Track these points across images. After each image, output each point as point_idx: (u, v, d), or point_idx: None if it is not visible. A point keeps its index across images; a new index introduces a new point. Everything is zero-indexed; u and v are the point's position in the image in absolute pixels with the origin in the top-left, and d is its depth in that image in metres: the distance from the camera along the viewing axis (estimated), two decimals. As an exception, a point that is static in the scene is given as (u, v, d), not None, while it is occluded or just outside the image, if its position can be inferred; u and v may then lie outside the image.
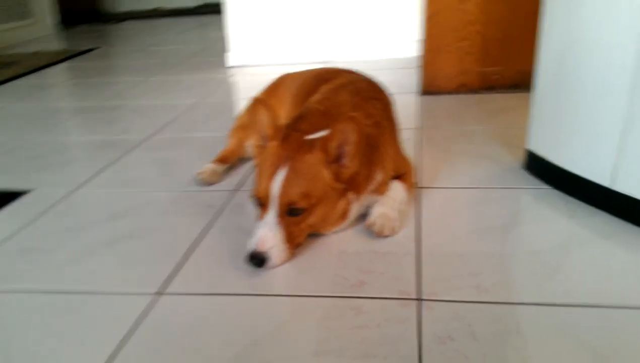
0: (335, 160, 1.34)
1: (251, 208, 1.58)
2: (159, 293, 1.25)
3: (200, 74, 3.64)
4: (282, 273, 1.30)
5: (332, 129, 1.31)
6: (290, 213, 1.32)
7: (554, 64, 1.57)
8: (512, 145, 1.98)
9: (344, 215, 1.42)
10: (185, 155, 2.14)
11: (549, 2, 1.59)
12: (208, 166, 1.87)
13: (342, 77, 1.79)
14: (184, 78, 3.54)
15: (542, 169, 1.67)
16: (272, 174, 1.31)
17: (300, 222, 1.34)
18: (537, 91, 1.68)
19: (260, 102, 1.44)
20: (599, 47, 1.40)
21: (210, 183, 1.83)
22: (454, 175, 1.77)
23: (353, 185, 1.39)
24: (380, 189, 1.49)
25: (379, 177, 1.47)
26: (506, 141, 2.04)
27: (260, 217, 1.34)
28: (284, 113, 1.89)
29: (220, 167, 1.89)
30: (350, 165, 1.35)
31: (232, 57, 3.79)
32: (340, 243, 1.42)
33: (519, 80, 2.63)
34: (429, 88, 2.75)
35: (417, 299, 1.17)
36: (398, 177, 1.56)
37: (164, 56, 4.32)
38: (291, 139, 1.39)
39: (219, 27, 4.71)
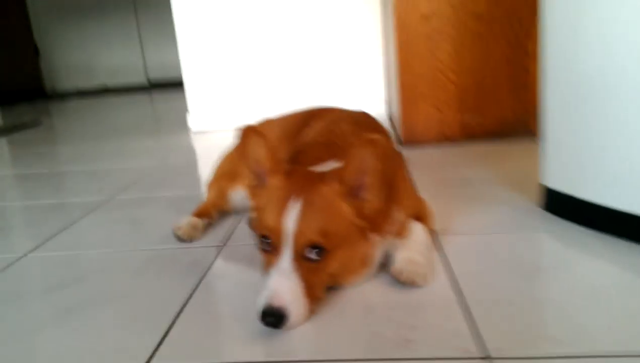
0: (354, 192, 1.13)
1: (247, 261, 1.32)
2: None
3: (160, 137, 3.40)
4: (302, 334, 1.04)
5: (347, 156, 1.11)
6: (308, 257, 1.08)
7: (565, 92, 1.46)
8: (515, 186, 1.84)
9: (367, 260, 1.19)
10: (155, 214, 1.87)
11: (549, 31, 1.50)
12: (186, 220, 1.61)
13: (334, 112, 1.62)
14: (141, 144, 3.28)
15: (565, 206, 1.52)
16: (283, 208, 1.08)
17: (320, 269, 1.10)
18: (548, 124, 1.56)
19: (253, 130, 1.18)
20: (616, 66, 1.29)
21: (190, 240, 1.56)
22: (469, 221, 1.59)
23: (375, 224, 1.17)
24: (401, 232, 1.28)
25: (397, 216, 1.25)
26: (507, 183, 1.90)
27: (270, 262, 1.09)
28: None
29: (200, 222, 1.62)
30: (371, 198, 1.14)
31: (193, 122, 3.59)
32: (365, 296, 1.17)
33: (498, 129, 2.56)
34: (409, 139, 2.64)
35: (484, 358, 0.93)
36: (416, 219, 1.35)
37: (117, 125, 4.06)
38: (297, 173, 1.18)
39: (171, 101, 4.50)
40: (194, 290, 1.25)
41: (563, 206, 1.53)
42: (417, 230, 1.32)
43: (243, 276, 1.32)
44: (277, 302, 1.02)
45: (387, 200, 1.18)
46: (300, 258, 1.07)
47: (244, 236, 1.58)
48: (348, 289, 1.19)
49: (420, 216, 1.36)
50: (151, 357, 1.00)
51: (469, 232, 1.50)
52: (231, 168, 1.73)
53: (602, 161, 1.38)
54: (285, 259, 1.07)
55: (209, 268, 1.37)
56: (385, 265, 1.25)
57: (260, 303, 1.03)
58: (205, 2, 3.46)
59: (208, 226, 1.66)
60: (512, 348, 0.95)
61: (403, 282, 1.18)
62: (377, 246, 1.20)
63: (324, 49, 3.59)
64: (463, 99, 2.55)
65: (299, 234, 1.07)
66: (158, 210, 1.91)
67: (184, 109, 3.65)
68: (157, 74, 7.87)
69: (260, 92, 3.60)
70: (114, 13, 7.72)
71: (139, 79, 7.86)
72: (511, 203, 1.70)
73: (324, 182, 1.12)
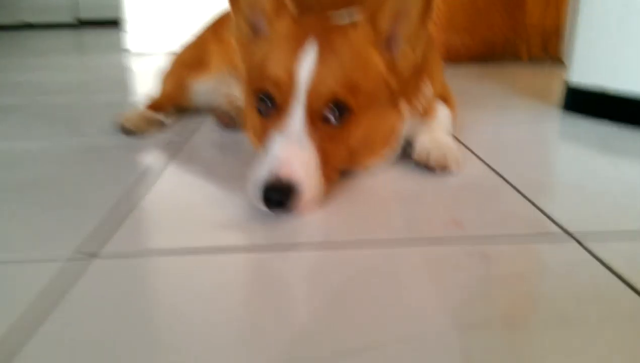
0: (387, 41, 0.85)
1: (215, 162, 1.02)
2: (93, 255, 0.64)
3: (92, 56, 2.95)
4: (317, 221, 0.75)
5: None
6: (327, 119, 0.79)
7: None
8: (535, 95, 1.61)
9: (393, 135, 0.92)
10: (90, 113, 1.50)
11: None
12: (134, 110, 1.26)
13: None
14: (72, 61, 2.83)
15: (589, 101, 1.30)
16: (295, 52, 0.79)
17: (339, 138, 0.81)
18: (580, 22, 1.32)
19: None
20: None
21: (139, 132, 1.23)
22: (491, 119, 1.34)
23: (407, 87, 0.89)
24: (428, 111, 1.01)
25: (427, 92, 0.98)
26: (525, 94, 1.66)
27: (271, 128, 0.79)
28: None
29: (153, 115, 1.28)
30: (407, 51, 0.86)
31: (130, 42, 3.15)
32: (387, 184, 0.90)
33: (486, 52, 2.33)
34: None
35: (566, 233, 0.69)
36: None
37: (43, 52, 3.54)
38: (311, 17, 0.88)
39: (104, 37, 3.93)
40: (158, 175, 0.94)
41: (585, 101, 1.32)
42: (443, 113, 1.06)
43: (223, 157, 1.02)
44: (286, 173, 0.72)
45: (423, 60, 0.90)
46: (315, 120, 0.79)
47: (209, 133, 1.26)
48: (361, 177, 0.91)
49: (446, 100, 1.10)
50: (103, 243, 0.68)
51: (492, 124, 1.26)
52: (195, 56, 1.39)
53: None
54: (296, 120, 0.77)
55: (164, 168, 1.05)
56: (404, 152, 0.98)
57: (262, 175, 0.73)
58: None
59: (161, 124, 1.31)
60: (594, 227, 0.71)
61: (431, 167, 0.92)
62: (405, 120, 0.93)
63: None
64: (451, 17, 2.29)
65: (317, 85, 0.77)
66: (94, 110, 1.54)
67: (118, 44, 3.20)
68: (87, 13, 7.14)
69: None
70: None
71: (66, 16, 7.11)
72: (534, 106, 1.48)
73: (350, 26, 0.84)
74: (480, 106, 1.49)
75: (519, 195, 0.83)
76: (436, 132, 0.98)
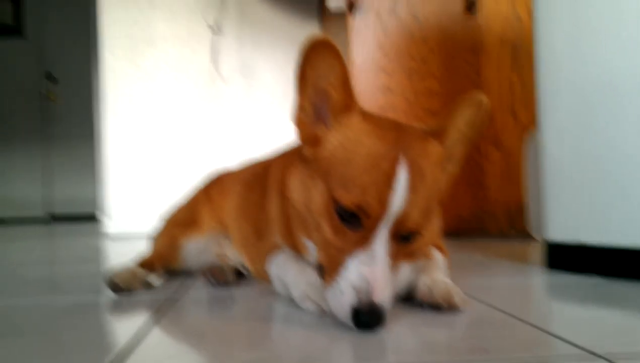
0: (449, 157, 0.93)
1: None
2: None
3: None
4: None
5: (450, 112, 0.90)
6: (402, 240, 0.84)
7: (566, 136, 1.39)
8: (506, 260, 1.66)
9: (429, 244, 1.04)
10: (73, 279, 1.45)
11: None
12: (124, 267, 1.24)
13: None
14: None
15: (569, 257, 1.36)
16: (389, 177, 0.80)
17: (406, 252, 0.87)
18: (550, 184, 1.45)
19: (326, 43, 0.86)
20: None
21: (127, 290, 1.18)
22: (478, 278, 1.37)
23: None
24: (426, 255, 1.04)
25: (432, 229, 1.03)
26: (505, 258, 1.71)
27: (361, 242, 0.81)
28: (231, 203, 1.41)
29: (143, 272, 1.25)
30: (452, 169, 0.95)
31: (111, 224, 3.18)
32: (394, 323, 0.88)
33: (453, 227, 2.45)
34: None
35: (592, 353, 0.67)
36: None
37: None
38: (381, 119, 0.91)
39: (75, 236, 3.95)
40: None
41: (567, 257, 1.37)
42: (439, 257, 1.08)
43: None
44: (378, 297, 0.76)
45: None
46: (394, 242, 0.82)
47: (200, 291, 1.23)
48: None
49: (439, 247, 1.14)
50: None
51: (480, 279, 1.28)
52: (187, 216, 1.43)
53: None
54: (382, 243, 0.80)
55: (167, 312, 1.01)
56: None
57: (348, 296, 0.76)
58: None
59: (150, 282, 1.28)
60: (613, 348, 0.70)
61: (437, 303, 0.91)
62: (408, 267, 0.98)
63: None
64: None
65: (406, 215, 0.80)
66: (75, 278, 1.50)
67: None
68: (59, 208, 7.23)
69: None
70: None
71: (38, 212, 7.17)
72: (518, 267, 1.52)
73: (427, 140, 0.88)
74: (463, 269, 1.53)
75: (532, 327, 0.82)
76: (436, 273, 1.00)
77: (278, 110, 3.40)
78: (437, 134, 0.90)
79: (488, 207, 2.44)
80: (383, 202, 0.79)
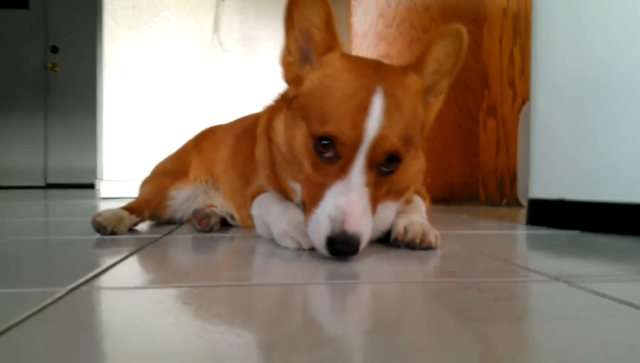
0: (426, 92, 0.93)
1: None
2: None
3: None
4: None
5: (429, 42, 0.90)
6: (382, 170, 0.84)
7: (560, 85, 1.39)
8: (491, 220, 1.67)
9: (420, 175, 1.04)
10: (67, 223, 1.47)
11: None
12: (111, 210, 1.25)
13: None
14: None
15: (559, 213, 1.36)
16: (364, 105, 0.81)
17: (386, 183, 0.87)
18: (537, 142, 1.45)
19: None
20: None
21: (112, 232, 1.19)
22: (463, 230, 1.37)
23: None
24: (407, 200, 1.05)
25: (415, 167, 1.02)
26: (491, 218, 1.71)
27: (338, 172, 0.81)
28: (221, 155, 1.41)
29: (128, 216, 1.26)
30: (435, 101, 0.96)
31: (104, 188, 3.19)
32: (389, 252, 0.89)
33: (447, 195, 2.46)
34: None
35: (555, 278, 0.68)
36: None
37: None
38: (360, 57, 0.94)
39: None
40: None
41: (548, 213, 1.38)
42: (419, 201, 1.09)
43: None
44: (352, 227, 0.76)
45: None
46: (372, 171, 0.82)
47: (182, 237, 1.24)
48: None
49: (420, 194, 1.15)
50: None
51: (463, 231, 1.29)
52: (175, 165, 1.44)
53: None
54: (358, 171, 0.80)
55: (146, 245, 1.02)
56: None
57: (325, 226, 0.77)
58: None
59: (135, 225, 1.29)
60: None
61: (412, 242, 0.92)
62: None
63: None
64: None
65: (382, 140, 0.80)
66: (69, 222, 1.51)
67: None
68: (59, 178, 7.28)
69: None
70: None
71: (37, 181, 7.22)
72: (502, 224, 1.53)
73: (404, 72, 0.89)
74: (447, 224, 1.54)
75: (500, 260, 0.83)
76: (414, 215, 1.00)
77: (278, 80, 3.39)
78: (414, 66, 0.90)
79: (480, 175, 2.44)
80: (358, 128, 0.80)
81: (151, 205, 1.36)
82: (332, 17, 0.89)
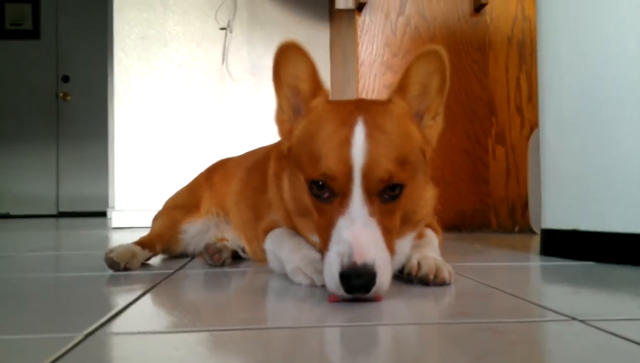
0: (416, 115, 0.93)
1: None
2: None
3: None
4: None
5: (406, 69, 0.91)
6: (384, 197, 0.82)
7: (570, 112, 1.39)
8: (504, 249, 1.65)
9: (431, 203, 1.00)
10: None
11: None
12: (124, 245, 1.26)
13: None
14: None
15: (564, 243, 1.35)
16: (346, 135, 0.81)
17: (394, 211, 0.84)
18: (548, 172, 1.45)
19: (294, 46, 0.92)
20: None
21: (125, 268, 1.19)
22: (475, 262, 1.36)
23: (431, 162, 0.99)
24: (420, 234, 1.04)
25: (426, 200, 1.02)
26: (505, 249, 1.70)
27: (339, 209, 0.80)
28: (232, 188, 1.42)
29: (141, 251, 1.27)
30: (432, 122, 0.95)
31: (116, 218, 3.21)
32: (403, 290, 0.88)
33: (457, 222, 2.45)
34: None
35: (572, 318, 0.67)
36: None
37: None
38: (345, 100, 0.96)
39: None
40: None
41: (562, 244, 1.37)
42: (431, 236, 1.09)
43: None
44: (362, 257, 0.73)
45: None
46: (374, 200, 0.81)
47: (194, 272, 1.24)
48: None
49: (433, 227, 1.14)
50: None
51: (475, 263, 1.28)
52: (186, 199, 1.45)
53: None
54: (358, 202, 0.79)
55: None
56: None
57: (335, 264, 0.74)
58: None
59: (148, 259, 1.30)
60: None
61: (425, 279, 0.92)
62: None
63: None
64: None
65: (372, 166, 0.79)
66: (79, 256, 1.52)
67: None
68: (72, 206, 7.32)
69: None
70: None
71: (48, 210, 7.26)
72: (511, 254, 1.51)
73: (388, 101, 0.91)
74: (460, 254, 1.53)
75: (514, 297, 0.82)
76: (427, 250, 1.00)
77: (286, 109, 3.42)
78: (397, 91, 0.91)
79: (491, 203, 2.43)
80: (344, 160, 0.80)
81: (164, 240, 1.36)
82: (315, 68, 0.93)
